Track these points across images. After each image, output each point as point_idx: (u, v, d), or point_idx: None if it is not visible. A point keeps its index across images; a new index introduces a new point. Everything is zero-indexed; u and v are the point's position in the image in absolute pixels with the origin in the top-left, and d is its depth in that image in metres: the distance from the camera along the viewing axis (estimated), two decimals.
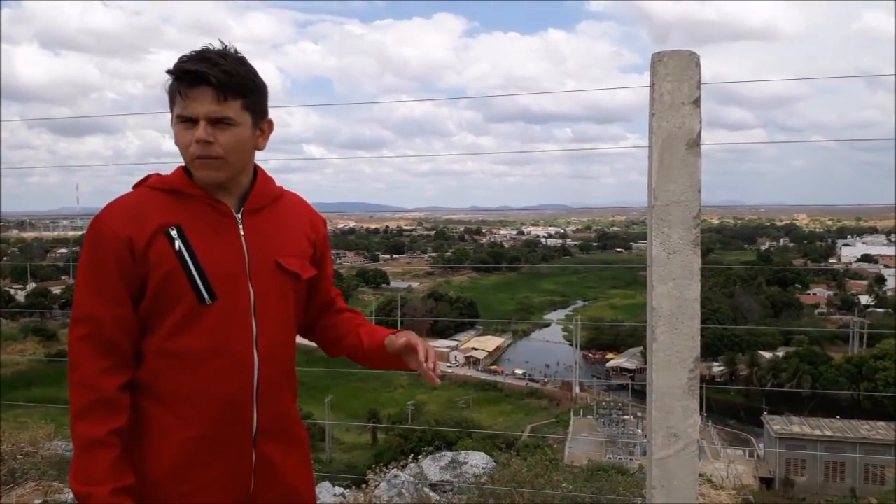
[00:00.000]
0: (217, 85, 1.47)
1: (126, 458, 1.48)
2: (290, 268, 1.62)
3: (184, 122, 1.50)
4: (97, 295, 1.49)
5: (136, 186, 1.60)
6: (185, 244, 1.50)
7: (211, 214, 1.56)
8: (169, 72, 1.50)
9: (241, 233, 1.57)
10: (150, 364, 1.53)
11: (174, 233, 1.51)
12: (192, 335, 1.51)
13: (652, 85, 2.10)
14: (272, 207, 1.65)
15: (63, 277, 77.68)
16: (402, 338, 1.69)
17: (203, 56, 1.50)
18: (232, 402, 1.53)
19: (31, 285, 73.80)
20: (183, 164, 1.59)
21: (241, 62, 1.53)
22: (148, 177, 1.61)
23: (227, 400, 1.53)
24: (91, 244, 1.51)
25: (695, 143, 2.07)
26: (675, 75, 2.07)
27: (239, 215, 1.58)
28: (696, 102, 2.07)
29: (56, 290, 70.49)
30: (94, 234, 1.51)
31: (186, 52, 1.52)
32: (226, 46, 1.54)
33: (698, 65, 2.08)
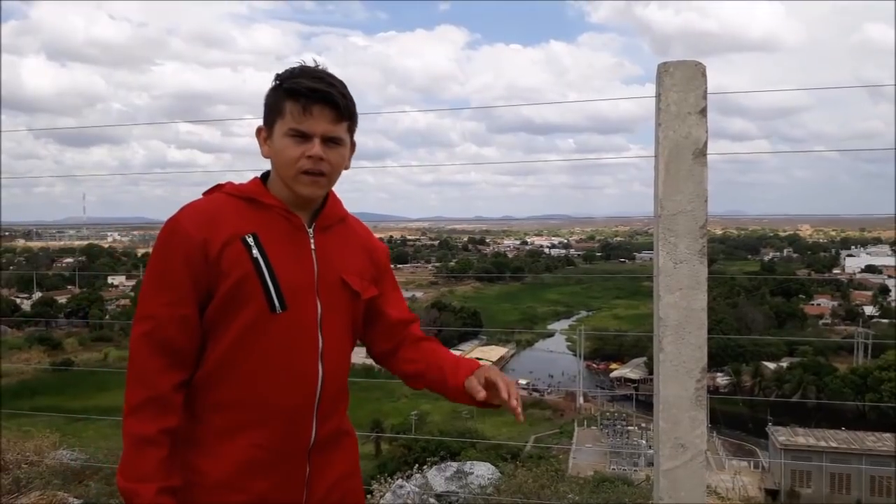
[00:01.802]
0: (340, 107, 1.56)
1: (174, 459, 1.48)
2: (353, 286, 1.66)
3: (295, 136, 1.54)
4: (161, 294, 1.51)
5: (207, 193, 1.64)
6: (261, 252, 1.53)
7: (285, 226, 1.59)
8: (289, 88, 1.54)
9: (312, 247, 1.62)
10: (213, 370, 1.54)
11: (251, 240, 1.54)
12: (259, 343, 1.52)
13: (658, 95, 2.11)
14: (338, 227, 1.70)
15: (69, 287, 77.93)
16: (481, 377, 1.64)
17: (319, 75, 1.57)
18: (294, 415, 1.55)
19: (37, 294, 74.01)
20: (256, 177, 1.65)
21: (346, 86, 1.60)
22: (219, 185, 1.65)
23: (290, 412, 1.55)
24: (163, 243, 1.54)
25: (701, 153, 2.08)
26: (682, 85, 2.07)
27: (311, 230, 1.63)
28: (703, 112, 2.08)
29: (61, 300, 70.68)
30: (168, 233, 1.54)
31: (292, 66, 1.58)
32: (318, 65, 1.59)
33: (704, 75, 2.09)
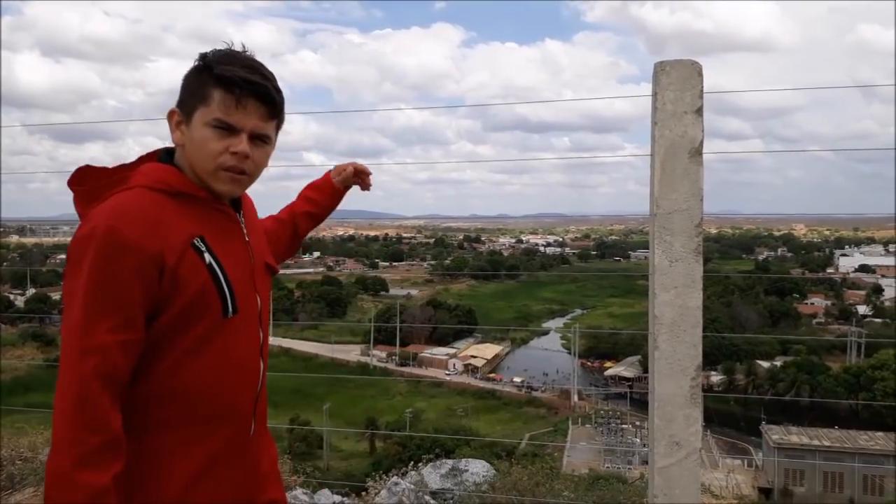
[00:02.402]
0: (274, 103, 1.45)
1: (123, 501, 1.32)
2: (275, 267, 1.64)
3: (220, 128, 1.41)
4: (106, 318, 1.30)
5: (116, 183, 1.44)
6: (213, 256, 1.42)
7: (222, 221, 1.50)
8: (220, 76, 1.40)
9: (246, 238, 1.54)
10: (155, 386, 1.40)
11: (201, 245, 1.41)
12: (210, 351, 1.42)
13: (654, 94, 2.11)
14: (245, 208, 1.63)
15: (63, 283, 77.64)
16: (339, 171, 2.05)
17: (252, 65, 1.44)
18: (241, 416, 1.49)
19: (31, 291, 73.77)
20: (167, 163, 1.48)
21: (275, 79, 1.49)
22: (123, 173, 1.47)
23: (238, 413, 1.48)
24: (104, 257, 1.31)
25: (697, 152, 2.08)
26: (678, 84, 2.08)
27: (242, 219, 1.55)
28: (699, 112, 2.08)
29: (55, 296, 70.41)
30: (111, 246, 1.31)
31: (219, 49, 1.45)
32: (246, 50, 1.47)
33: (700, 74, 2.09)
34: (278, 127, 1.53)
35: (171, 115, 1.47)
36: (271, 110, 1.45)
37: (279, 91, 1.47)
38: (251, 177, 1.48)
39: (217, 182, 1.44)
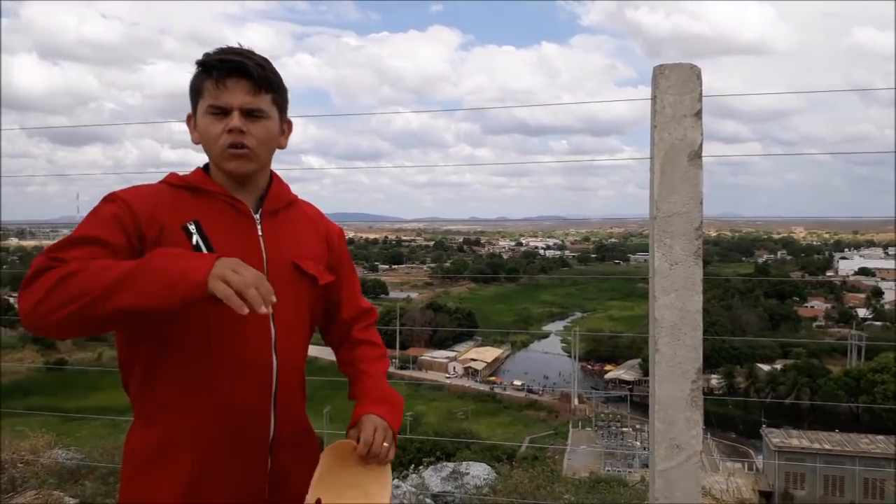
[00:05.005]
0: (254, 76, 1.48)
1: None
2: (308, 270, 1.60)
3: (214, 113, 1.49)
4: (82, 245, 1.38)
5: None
6: (203, 239, 1.45)
7: (230, 212, 1.53)
8: (202, 63, 1.50)
9: (260, 233, 1.55)
10: (146, 373, 1.45)
11: (192, 227, 1.46)
12: (203, 337, 1.44)
13: (654, 97, 2.12)
14: (287, 211, 1.64)
15: None
16: (358, 431, 1.56)
17: (235, 50, 1.51)
18: (250, 411, 1.48)
19: None
20: (199, 166, 1.59)
21: (268, 60, 1.54)
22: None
23: (245, 408, 1.48)
24: (99, 208, 1.44)
25: (696, 156, 2.09)
26: (677, 88, 2.09)
27: (257, 216, 1.56)
28: (698, 115, 2.09)
29: None
30: (104, 201, 1.45)
31: (208, 50, 1.52)
32: (242, 46, 1.54)
33: (699, 77, 2.10)
34: (277, 102, 1.56)
35: (187, 119, 1.59)
36: (255, 84, 1.49)
37: (262, 66, 1.51)
38: (255, 151, 1.51)
39: (224, 162, 1.51)
